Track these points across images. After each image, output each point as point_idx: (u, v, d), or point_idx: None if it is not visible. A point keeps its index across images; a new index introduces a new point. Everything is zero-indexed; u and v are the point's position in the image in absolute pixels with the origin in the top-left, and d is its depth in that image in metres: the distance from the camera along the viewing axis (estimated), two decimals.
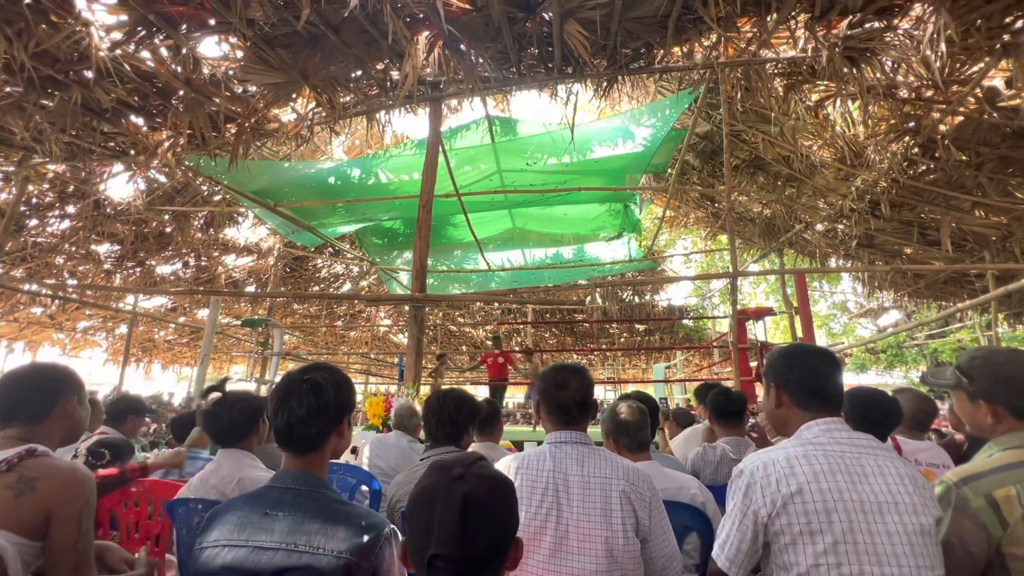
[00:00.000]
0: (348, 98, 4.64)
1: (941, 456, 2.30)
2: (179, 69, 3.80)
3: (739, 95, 4.70)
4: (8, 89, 3.75)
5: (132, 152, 4.80)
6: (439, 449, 2.07)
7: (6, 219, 5.14)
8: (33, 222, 7.29)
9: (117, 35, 3.41)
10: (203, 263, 9.94)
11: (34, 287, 8.07)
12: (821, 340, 16.38)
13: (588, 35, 3.60)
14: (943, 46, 3.27)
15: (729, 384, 4.98)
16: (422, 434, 3.24)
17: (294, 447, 1.21)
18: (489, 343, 9.76)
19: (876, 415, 1.96)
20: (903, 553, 1.06)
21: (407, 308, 4.65)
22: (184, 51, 3.63)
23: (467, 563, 0.82)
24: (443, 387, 2.28)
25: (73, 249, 8.16)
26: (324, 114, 4.68)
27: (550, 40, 3.83)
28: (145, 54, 3.69)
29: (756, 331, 7.98)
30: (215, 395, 1.88)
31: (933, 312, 8.56)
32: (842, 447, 1.20)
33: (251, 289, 10.81)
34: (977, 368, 1.36)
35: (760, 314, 6.83)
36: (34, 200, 6.85)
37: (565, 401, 1.54)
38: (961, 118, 4.52)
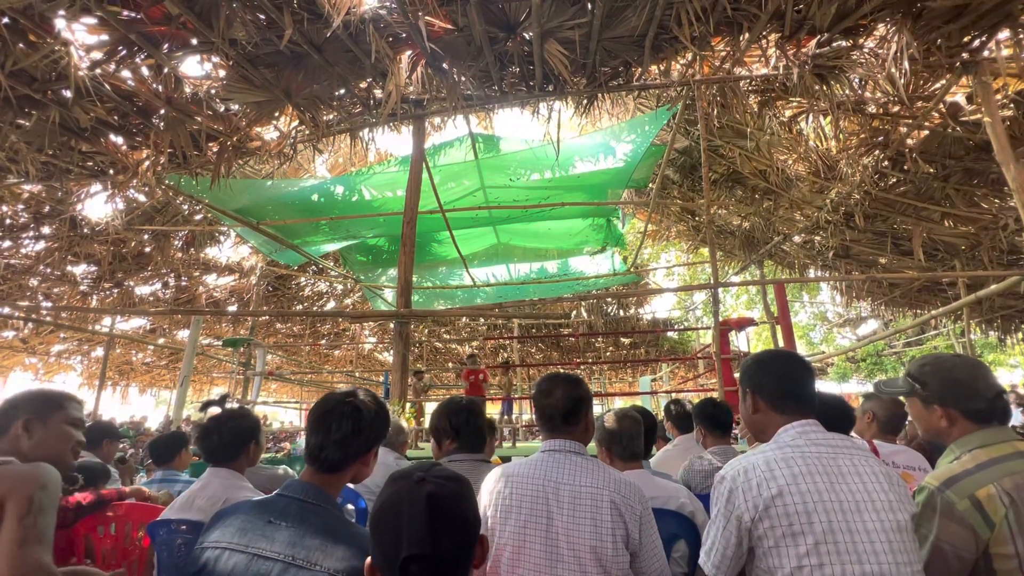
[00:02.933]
0: (331, 116, 4.66)
1: (917, 459, 2.35)
2: (160, 88, 3.79)
3: (715, 111, 4.84)
4: None
5: (111, 171, 4.75)
6: (470, 455, 2.02)
7: None
8: (6, 243, 7.12)
9: (97, 55, 3.40)
10: (183, 283, 9.78)
11: (6, 310, 7.85)
12: (802, 350, 16.62)
13: (568, 54, 3.69)
14: (906, 64, 3.42)
15: (714, 395, 5.03)
16: (408, 451, 3.22)
17: (318, 465, 1.23)
18: (466, 361, 9.78)
19: (833, 418, 1.99)
20: (882, 551, 1.08)
21: (392, 325, 4.63)
22: (165, 70, 3.63)
23: (440, 560, 0.84)
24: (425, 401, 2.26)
25: (48, 270, 7.97)
26: (307, 132, 4.69)
27: (531, 59, 3.91)
28: (125, 73, 3.68)
29: (739, 342, 8.08)
30: (213, 410, 1.85)
31: (909, 320, 8.77)
32: (819, 448, 1.22)
33: (233, 308, 10.65)
34: (928, 374, 1.40)
35: (742, 325, 6.93)
36: (7, 221, 6.71)
37: (547, 409, 1.55)
38: (927, 132, 4.70)
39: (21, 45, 3.20)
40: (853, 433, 2.61)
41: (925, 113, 4.42)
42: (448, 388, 12.41)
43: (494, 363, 15.12)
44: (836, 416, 2.01)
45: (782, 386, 1.35)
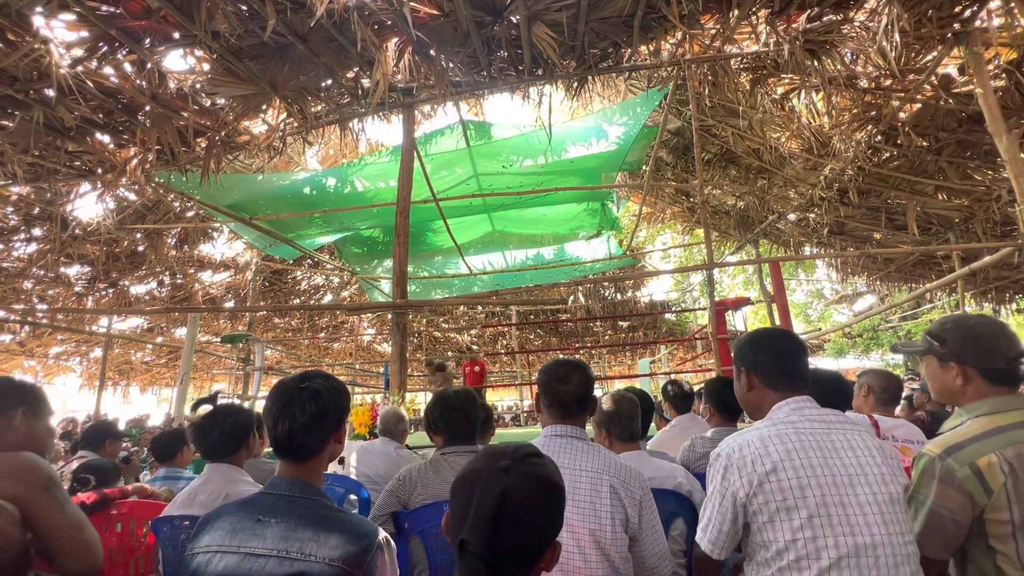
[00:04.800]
0: (320, 107, 4.61)
1: (915, 433, 2.38)
2: (144, 84, 3.74)
3: (707, 91, 4.80)
4: None
5: (99, 170, 4.70)
6: (459, 447, 2.01)
7: None
8: None
9: (78, 52, 3.34)
10: (179, 281, 9.74)
11: (1, 313, 7.82)
12: (799, 327, 16.71)
13: (556, 37, 3.64)
14: (897, 36, 3.39)
15: (712, 375, 5.06)
16: (408, 440, 3.24)
17: (294, 455, 1.21)
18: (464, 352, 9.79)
19: (831, 394, 2.00)
20: (875, 522, 1.10)
21: (390, 316, 4.63)
22: (149, 66, 3.57)
23: (493, 557, 0.81)
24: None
25: (42, 273, 7.93)
26: (296, 124, 4.64)
27: (519, 43, 3.86)
28: (108, 70, 3.62)
29: (735, 321, 8.12)
30: (205, 408, 1.85)
31: (905, 294, 8.81)
32: (812, 424, 1.23)
33: (230, 305, 10.63)
34: (948, 331, 1.39)
35: (738, 304, 6.96)
36: None
37: (566, 396, 1.55)
38: (919, 105, 4.68)
39: (1, 45, 3.14)
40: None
41: (917, 86, 4.39)
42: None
43: (498, 351, 15.17)
44: (832, 392, 2.03)
45: (776, 364, 1.36)
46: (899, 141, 5.04)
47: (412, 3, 3.32)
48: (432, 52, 3.89)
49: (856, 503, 1.12)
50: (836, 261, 8.65)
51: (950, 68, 4.33)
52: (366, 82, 4.29)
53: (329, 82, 4.26)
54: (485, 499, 0.82)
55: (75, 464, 2.65)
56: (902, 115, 4.81)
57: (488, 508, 0.81)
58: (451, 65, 4.09)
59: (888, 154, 5.45)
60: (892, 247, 6.92)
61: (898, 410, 2.73)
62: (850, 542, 1.08)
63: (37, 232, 6.95)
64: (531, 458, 0.89)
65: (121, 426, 7.14)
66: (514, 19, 3.64)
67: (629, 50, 4.12)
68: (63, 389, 14.05)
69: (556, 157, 6.40)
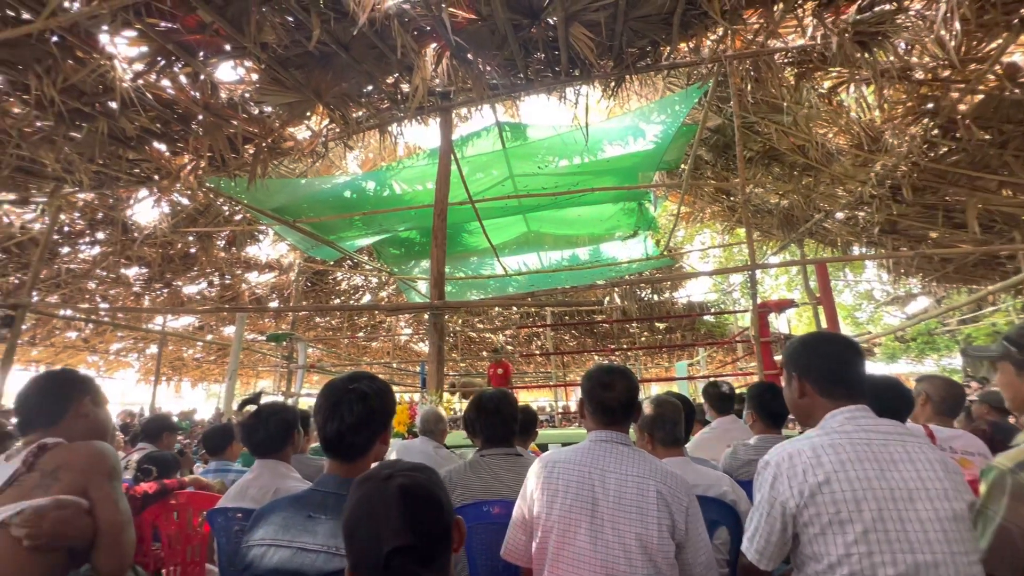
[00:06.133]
0: (360, 113, 4.73)
1: (976, 444, 2.24)
2: (198, 95, 3.93)
3: (749, 87, 4.66)
4: (40, 124, 3.92)
5: (156, 177, 4.96)
6: (497, 449, 2.02)
7: (41, 248, 5.36)
8: (65, 249, 7.57)
9: (139, 66, 3.54)
10: (227, 281, 10.18)
11: (68, 312, 8.36)
12: (846, 330, 15.99)
13: (593, 37, 3.62)
14: (957, 24, 3.21)
15: (753, 379, 4.91)
16: (447, 439, 3.28)
17: (343, 455, 1.25)
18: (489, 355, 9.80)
19: (889, 402, 1.89)
20: (936, 540, 1.05)
21: (427, 316, 4.70)
22: (202, 77, 3.75)
23: (422, 549, 0.84)
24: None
25: (104, 274, 8.44)
26: (338, 130, 4.78)
27: (556, 44, 3.86)
28: (165, 82, 3.82)
29: (779, 324, 7.85)
30: (250, 407, 1.93)
31: (964, 296, 8.32)
32: (869, 434, 1.18)
33: (274, 304, 11.02)
34: None
35: (782, 306, 6.72)
36: (66, 228, 7.11)
37: (610, 402, 1.55)
38: (981, 96, 4.41)
39: (70, 62, 3.36)
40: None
41: (979, 76, 4.14)
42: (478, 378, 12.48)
43: (533, 352, 15.15)
44: (890, 399, 1.91)
45: (830, 370, 1.30)
46: (958, 135, 4.76)
47: (450, 9, 3.36)
48: (470, 56, 3.93)
49: (916, 519, 1.06)
50: (888, 262, 8.24)
51: (1016, 56, 4.06)
52: (405, 87, 4.37)
53: (370, 88, 4.37)
54: (391, 502, 0.85)
55: (136, 455, 2.81)
56: (962, 107, 4.54)
57: (397, 508, 0.84)
58: (488, 68, 4.12)
59: (946, 148, 5.16)
60: (950, 247, 6.55)
61: (955, 422, 2.57)
62: (909, 560, 1.03)
63: (100, 236, 7.40)
64: (399, 462, 0.95)
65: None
66: (551, 20, 3.64)
67: (668, 48, 4.05)
68: (122, 383, 14.87)
69: (592, 157, 6.35)
